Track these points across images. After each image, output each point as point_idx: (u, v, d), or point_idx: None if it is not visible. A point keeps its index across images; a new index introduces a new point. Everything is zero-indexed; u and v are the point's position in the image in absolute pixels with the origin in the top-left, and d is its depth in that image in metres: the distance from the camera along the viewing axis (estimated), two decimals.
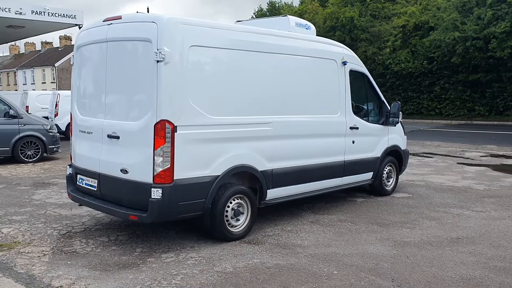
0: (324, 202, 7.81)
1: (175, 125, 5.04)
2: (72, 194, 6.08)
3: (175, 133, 5.04)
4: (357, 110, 7.84)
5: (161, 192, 5.01)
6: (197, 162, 5.30)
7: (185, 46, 5.12)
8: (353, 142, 7.45)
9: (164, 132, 5.00)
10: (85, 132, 5.97)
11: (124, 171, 5.31)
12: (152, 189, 5.03)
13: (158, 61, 4.95)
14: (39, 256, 5.17)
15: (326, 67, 6.99)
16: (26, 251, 5.34)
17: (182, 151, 5.13)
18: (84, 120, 6.01)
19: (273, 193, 6.23)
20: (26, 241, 5.69)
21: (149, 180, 5.07)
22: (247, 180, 6.05)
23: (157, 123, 5.00)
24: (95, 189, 5.75)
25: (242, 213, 5.88)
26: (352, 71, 7.51)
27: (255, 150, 5.92)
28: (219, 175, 5.50)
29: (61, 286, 4.35)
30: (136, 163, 5.24)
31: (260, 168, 5.98)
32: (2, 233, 6.03)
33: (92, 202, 5.71)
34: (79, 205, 6.29)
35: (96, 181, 5.72)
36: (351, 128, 7.37)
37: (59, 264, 4.94)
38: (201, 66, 5.34)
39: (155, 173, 5.03)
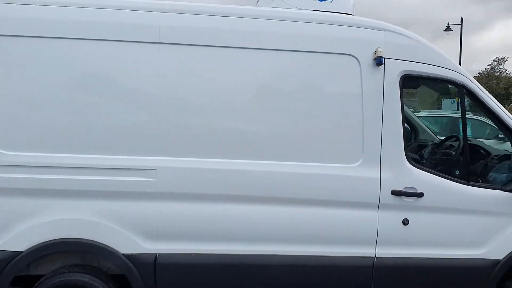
0: None
1: None
2: None
3: None
4: (435, 156, 3.91)
5: None
6: None
7: None
8: (406, 222, 3.58)
9: None
10: None
11: None
12: None
13: None
14: None
15: (328, 70, 3.52)
16: None
17: None
18: None
19: None
20: None
21: None
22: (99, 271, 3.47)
23: None
24: None
25: None
26: (414, 76, 3.63)
27: (113, 216, 3.28)
28: (21, 253, 3.21)
29: None
30: None
31: (125, 250, 3.31)
32: None
33: None
34: None
35: None
36: (396, 193, 3.54)
37: None
38: None
39: None
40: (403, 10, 78.34)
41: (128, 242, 3.31)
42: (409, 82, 3.73)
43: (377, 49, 3.45)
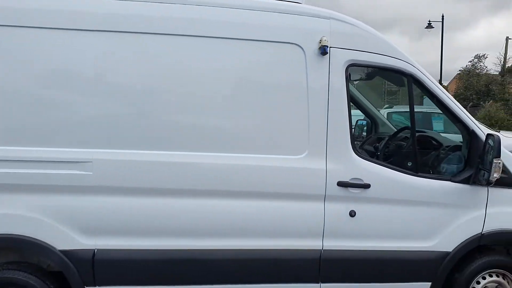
0: None
1: None
2: None
3: None
4: (387, 148, 3.84)
5: None
6: None
7: None
8: (353, 214, 3.53)
9: None
10: None
11: None
12: None
13: None
14: None
15: (272, 59, 3.43)
16: None
17: None
18: None
19: None
20: None
21: None
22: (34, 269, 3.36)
23: None
24: None
25: None
26: (360, 66, 3.59)
27: (48, 210, 3.17)
28: None
29: None
30: None
31: (62, 246, 3.20)
32: None
33: None
34: None
35: None
36: (342, 185, 3.48)
37: None
38: None
39: None
40: (389, 9, 78.68)
41: (65, 238, 3.20)
42: (357, 72, 3.67)
43: (322, 38, 3.37)
